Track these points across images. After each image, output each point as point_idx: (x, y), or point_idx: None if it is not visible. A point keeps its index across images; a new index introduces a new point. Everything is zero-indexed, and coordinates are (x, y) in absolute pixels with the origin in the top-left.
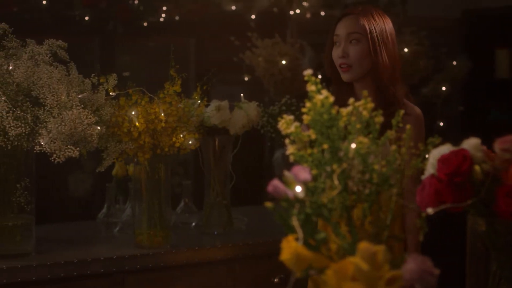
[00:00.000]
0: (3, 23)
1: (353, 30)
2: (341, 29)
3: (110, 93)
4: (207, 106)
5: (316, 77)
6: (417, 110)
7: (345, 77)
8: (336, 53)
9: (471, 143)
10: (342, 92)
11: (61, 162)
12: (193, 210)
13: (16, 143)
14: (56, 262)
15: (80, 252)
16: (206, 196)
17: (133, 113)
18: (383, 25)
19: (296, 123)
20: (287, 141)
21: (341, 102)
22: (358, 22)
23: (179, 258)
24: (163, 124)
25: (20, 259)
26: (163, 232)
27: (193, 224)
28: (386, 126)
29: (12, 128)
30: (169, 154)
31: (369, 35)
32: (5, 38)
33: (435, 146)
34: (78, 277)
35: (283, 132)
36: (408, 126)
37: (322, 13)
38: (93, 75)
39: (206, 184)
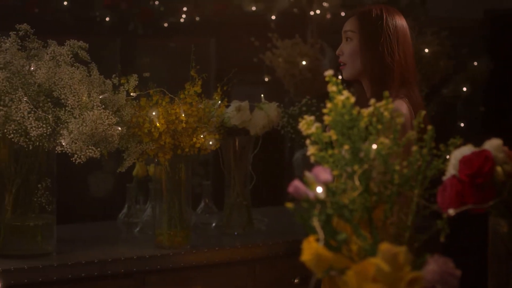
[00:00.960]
0: (25, 24)
1: (347, 28)
2: (343, 28)
3: (131, 94)
4: (227, 106)
5: (337, 77)
6: (401, 109)
7: (343, 74)
8: (337, 51)
9: (493, 144)
10: (358, 90)
11: (82, 162)
12: (213, 211)
13: (37, 143)
14: (77, 262)
15: (101, 252)
16: (226, 197)
17: (153, 113)
18: (380, 23)
19: (317, 124)
20: (307, 141)
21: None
22: (353, 20)
23: (199, 258)
24: (183, 125)
25: (41, 259)
26: (183, 233)
27: (213, 224)
28: None
29: (34, 128)
30: (189, 154)
31: (359, 32)
32: (27, 39)
33: (457, 147)
34: (98, 277)
35: (304, 133)
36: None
37: (342, 14)
38: (114, 75)
39: (226, 184)
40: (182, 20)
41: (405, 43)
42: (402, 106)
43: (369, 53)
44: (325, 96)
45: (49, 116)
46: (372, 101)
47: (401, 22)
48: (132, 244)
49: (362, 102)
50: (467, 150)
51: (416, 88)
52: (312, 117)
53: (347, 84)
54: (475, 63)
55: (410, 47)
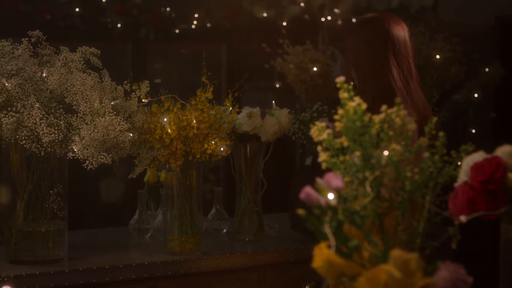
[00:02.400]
0: (37, 30)
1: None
2: None
3: (143, 100)
4: (238, 113)
5: (348, 84)
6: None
7: None
8: None
9: (504, 151)
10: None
11: (93, 168)
12: (224, 217)
13: (49, 149)
14: (88, 268)
15: (112, 258)
16: (237, 203)
17: (165, 119)
18: (364, 34)
19: (328, 130)
20: (319, 148)
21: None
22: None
23: (210, 264)
24: (195, 131)
25: (52, 265)
26: (195, 239)
27: (224, 230)
28: None
29: (46, 134)
30: (200, 160)
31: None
32: (39, 45)
33: (468, 153)
34: (110, 283)
35: (315, 139)
36: (441, 133)
37: (354, 20)
38: (125, 82)
39: (238, 190)
40: (193, 26)
41: (405, 52)
42: None
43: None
44: (336, 102)
45: (61, 122)
46: (384, 107)
47: (400, 32)
48: (143, 250)
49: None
50: (478, 156)
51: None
52: (324, 124)
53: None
54: (487, 69)
55: (408, 55)
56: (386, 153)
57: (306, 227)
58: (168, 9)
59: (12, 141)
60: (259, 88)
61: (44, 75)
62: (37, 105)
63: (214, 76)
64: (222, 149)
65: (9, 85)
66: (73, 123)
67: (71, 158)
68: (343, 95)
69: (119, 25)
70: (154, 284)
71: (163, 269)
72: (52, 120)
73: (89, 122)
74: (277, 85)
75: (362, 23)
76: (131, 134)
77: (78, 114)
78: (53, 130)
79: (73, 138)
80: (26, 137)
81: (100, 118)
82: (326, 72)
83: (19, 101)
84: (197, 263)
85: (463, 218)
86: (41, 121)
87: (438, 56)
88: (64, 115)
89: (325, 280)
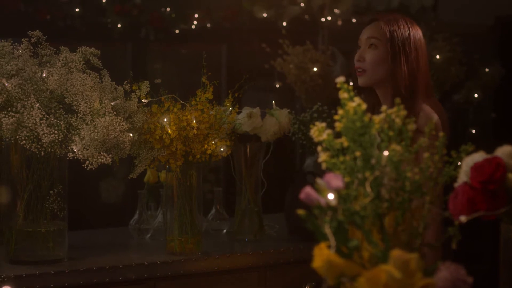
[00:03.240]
0: (37, 30)
1: (372, 34)
2: (363, 34)
3: (143, 100)
4: (238, 113)
5: (348, 84)
6: (434, 116)
7: (359, 81)
8: (355, 56)
9: (504, 151)
10: (368, 98)
11: (93, 169)
12: (224, 217)
13: (49, 150)
14: (88, 268)
15: (112, 258)
16: (237, 203)
17: (165, 120)
18: (408, 33)
19: (328, 131)
20: (319, 148)
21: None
22: (379, 27)
23: (210, 264)
24: (195, 131)
25: (52, 265)
26: (195, 239)
27: (224, 230)
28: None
29: (46, 135)
30: (200, 161)
31: (389, 42)
32: (39, 45)
33: (468, 153)
34: (110, 283)
35: (315, 140)
36: (441, 134)
37: (354, 20)
38: (125, 82)
39: (238, 191)
40: (193, 26)
41: (425, 54)
42: (430, 109)
43: (399, 63)
44: (336, 102)
45: (61, 123)
46: (384, 107)
47: (420, 33)
48: (143, 250)
49: (373, 109)
50: (478, 156)
51: (435, 97)
52: (323, 124)
53: (358, 90)
54: (487, 69)
55: (427, 58)
56: (386, 153)
57: (304, 231)
58: (168, 9)
59: (12, 141)
60: (259, 88)
61: (44, 75)
62: (37, 106)
63: (214, 76)
64: (222, 149)
65: (9, 85)
66: (73, 124)
67: (71, 158)
68: (343, 95)
69: (119, 25)
70: (154, 284)
71: (163, 270)
72: (52, 121)
73: (89, 123)
74: (277, 86)
75: (411, 21)
76: (131, 135)
77: (78, 115)
78: (53, 131)
79: (73, 138)
80: (26, 137)
81: (100, 119)
82: (326, 72)
83: (19, 101)
84: (197, 263)
85: (463, 218)
86: (41, 122)
87: (438, 56)
88: (64, 116)
89: (325, 280)
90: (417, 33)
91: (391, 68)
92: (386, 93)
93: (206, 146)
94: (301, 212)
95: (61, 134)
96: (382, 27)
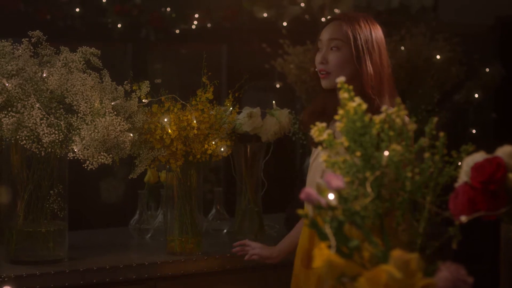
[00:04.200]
0: (37, 30)
1: (335, 36)
2: (324, 35)
3: (143, 100)
4: (239, 113)
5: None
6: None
7: (323, 83)
8: (317, 58)
9: (505, 151)
10: (327, 99)
11: (94, 169)
12: (224, 217)
13: (49, 150)
14: (88, 268)
15: (113, 258)
16: (237, 203)
17: (165, 120)
18: (370, 33)
19: (328, 130)
20: (319, 148)
21: (326, 108)
22: (341, 28)
23: (210, 265)
24: (195, 131)
25: (53, 265)
26: (195, 239)
27: (225, 231)
28: None
29: (46, 135)
30: (201, 161)
31: (352, 43)
32: (39, 45)
33: (469, 153)
34: (110, 283)
35: (316, 140)
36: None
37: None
38: (126, 82)
39: (238, 191)
40: (193, 26)
41: (386, 52)
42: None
43: (364, 64)
44: None
45: (61, 123)
46: (384, 108)
47: (380, 31)
48: (143, 250)
49: (334, 111)
50: (479, 157)
51: (398, 96)
52: (324, 124)
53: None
54: (487, 69)
55: (388, 56)
56: (386, 153)
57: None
58: (168, 9)
59: (13, 141)
60: (260, 88)
61: (45, 75)
62: (37, 105)
63: (214, 76)
64: (222, 149)
65: (10, 85)
66: (73, 123)
67: (71, 158)
68: (343, 95)
69: (119, 25)
70: (154, 284)
71: (163, 269)
72: (53, 121)
73: (89, 122)
74: (278, 86)
75: (371, 19)
76: (132, 135)
77: (79, 114)
78: (53, 130)
79: (73, 138)
80: (27, 137)
81: (101, 119)
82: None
83: (19, 101)
84: (197, 263)
85: (463, 219)
86: (41, 121)
87: (438, 56)
88: (65, 115)
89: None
90: (378, 31)
91: (356, 69)
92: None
93: (206, 146)
94: (301, 212)
95: (61, 134)
96: (344, 28)
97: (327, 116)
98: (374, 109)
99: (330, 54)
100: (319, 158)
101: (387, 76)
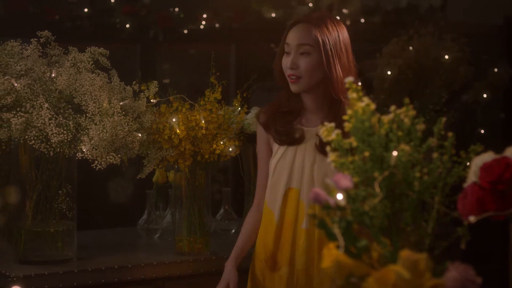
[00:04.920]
0: (46, 31)
1: (304, 41)
2: (292, 39)
3: (151, 100)
4: (247, 113)
5: (357, 84)
6: None
7: (293, 88)
8: (285, 62)
9: None
10: (292, 100)
11: (102, 169)
12: (233, 217)
13: (58, 149)
14: (97, 268)
15: (121, 258)
16: (246, 203)
17: (173, 120)
18: (337, 35)
19: (337, 131)
20: (328, 148)
21: (292, 109)
22: (310, 33)
23: (219, 264)
24: (203, 131)
25: (61, 265)
26: (203, 239)
27: (233, 231)
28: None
29: (55, 135)
30: (209, 161)
31: (322, 48)
32: (48, 46)
33: (477, 153)
34: (118, 283)
35: (324, 140)
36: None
37: (362, 20)
38: (134, 82)
39: (246, 191)
40: (202, 26)
41: (351, 53)
42: None
43: (334, 68)
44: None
45: (70, 123)
46: (393, 107)
47: (346, 32)
48: (152, 250)
49: (298, 113)
50: (487, 157)
51: None
52: (332, 124)
53: (367, 91)
54: (495, 69)
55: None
56: (395, 153)
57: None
58: (176, 9)
59: (21, 141)
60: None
61: (53, 75)
62: (46, 106)
63: (222, 76)
64: (230, 149)
65: (18, 85)
66: (82, 124)
67: (80, 158)
68: (352, 95)
69: (127, 26)
70: (162, 284)
71: (171, 269)
72: (61, 121)
73: (98, 123)
74: None
75: (337, 20)
76: (140, 135)
77: (87, 115)
78: (62, 130)
79: (82, 138)
80: (35, 137)
81: (109, 118)
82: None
83: (28, 101)
84: (205, 263)
85: (472, 219)
86: (50, 122)
87: (446, 57)
88: (73, 115)
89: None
90: (344, 32)
91: (325, 72)
92: (317, 97)
93: (214, 146)
94: (310, 212)
95: (70, 134)
96: (314, 33)
97: (293, 116)
98: (343, 112)
99: (300, 59)
100: (286, 158)
101: (354, 76)
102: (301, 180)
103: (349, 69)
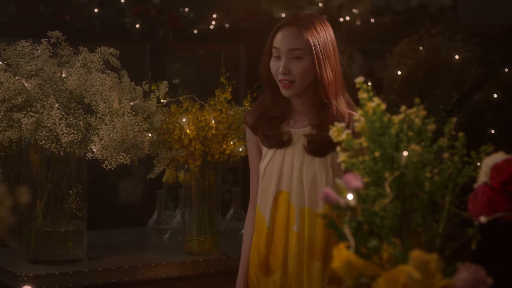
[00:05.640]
0: (57, 31)
1: (296, 46)
2: (282, 43)
3: (161, 100)
4: None
5: (367, 84)
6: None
7: (286, 93)
8: (276, 67)
9: None
10: (278, 104)
11: (112, 169)
12: (242, 217)
13: (68, 150)
14: (107, 268)
15: (131, 258)
16: None
17: (184, 120)
18: (326, 36)
19: (347, 131)
20: (338, 148)
21: (282, 113)
22: (301, 36)
23: (228, 264)
24: (213, 131)
25: (71, 265)
26: (213, 239)
27: (243, 231)
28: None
29: (65, 135)
30: (219, 161)
31: (313, 51)
32: (58, 46)
33: (488, 154)
34: (128, 283)
35: (334, 140)
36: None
37: (372, 20)
38: (144, 82)
39: None
40: (212, 26)
41: (338, 52)
42: (353, 112)
43: (325, 70)
44: (355, 102)
45: (80, 123)
46: (403, 107)
47: (331, 31)
48: (162, 250)
49: (284, 116)
50: (498, 157)
51: (349, 98)
52: (343, 124)
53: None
54: (506, 70)
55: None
56: (405, 153)
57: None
58: (186, 9)
59: (32, 141)
60: None
61: (64, 75)
62: (56, 106)
63: (232, 76)
64: (240, 149)
65: (29, 85)
66: (92, 124)
67: (90, 158)
68: (363, 95)
69: (137, 26)
70: (172, 284)
71: (181, 269)
72: (71, 121)
73: (108, 123)
74: None
75: (323, 19)
76: (150, 135)
77: (97, 115)
78: (72, 130)
79: (92, 138)
80: (46, 137)
81: (119, 119)
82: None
83: (38, 101)
84: (215, 263)
85: (483, 219)
86: (60, 122)
87: (457, 57)
88: (83, 116)
89: (344, 280)
90: (331, 31)
91: (316, 74)
92: (306, 99)
93: (224, 146)
94: (320, 212)
95: (80, 134)
96: (305, 36)
97: (279, 120)
98: (331, 113)
99: (292, 63)
100: (275, 161)
101: (341, 76)
102: (291, 182)
103: (337, 70)
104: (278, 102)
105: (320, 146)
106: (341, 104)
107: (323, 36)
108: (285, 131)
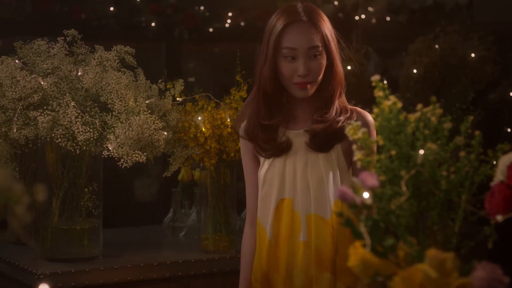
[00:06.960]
0: (73, 29)
1: (316, 43)
2: (300, 42)
3: (177, 99)
4: None
5: (383, 82)
6: (369, 115)
7: (302, 94)
8: (291, 68)
9: None
10: (275, 111)
11: (128, 167)
12: None
13: (84, 148)
14: (123, 266)
15: (147, 256)
16: None
17: (199, 118)
18: (329, 25)
19: (363, 129)
20: (354, 147)
21: (274, 118)
22: (318, 32)
23: None
24: (229, 130)
25: (87, 263)
26: (228, 237)
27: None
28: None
29: (81, 133)
30: (234, 159)
31: (331, 45)
32: (74, 44)
33: (504, 152)
34: (144, 281)
35: (350, 138)
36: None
37: (388, 18)
38: (160, 80)
39: None
40: (227, 25)
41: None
42: (358, 108)
43: (335, 64)
44: (371, 101)
45: (96, 121)
46: (419, 106)
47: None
48: (177, 248)
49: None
50: None
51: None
52: (358, 122)
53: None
54: None
55: None
56: (421, 152)
57: None
58: (202, 8)
59: (48, 139)
60: None
61: (80, 73)
62: (72, 104)
63: (248, 74)
64: None
65: (45, 83)
66: (108, 122)
67: (106, 156)
68: (379, 93)
69: (153, 24)
70: (188, 282)
71: (197, 268)
72: (87, 119)
73: (124, 121)
74: None
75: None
76: (166, 133)
77: (113, 113)
78: (88, 129)
79: (108, 136)
80: (62, 136)
81: (135, 117)
82: (360, 71)
83: (54, 99)
84: (231, 261)
85: (499, 218)
86: (76, 120)
87: (473, 55)
88: (99, 114)
89: (361, 279)
90: (328, 20)
91: (333, 69)
92: (310, 97)
93: (240, 144)
94: (335, 209)
95: (96, 132)
96: (321, 31)
97: (276, 126)
98: (335, 107)
99: (311, 62)
100: (275, 167)
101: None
102: (294, 187)
103: (339, 61)
104: (274, 110)
105: (323, 140)
106: (344, 99)
107: (328, 25)
108: (283, 138)
